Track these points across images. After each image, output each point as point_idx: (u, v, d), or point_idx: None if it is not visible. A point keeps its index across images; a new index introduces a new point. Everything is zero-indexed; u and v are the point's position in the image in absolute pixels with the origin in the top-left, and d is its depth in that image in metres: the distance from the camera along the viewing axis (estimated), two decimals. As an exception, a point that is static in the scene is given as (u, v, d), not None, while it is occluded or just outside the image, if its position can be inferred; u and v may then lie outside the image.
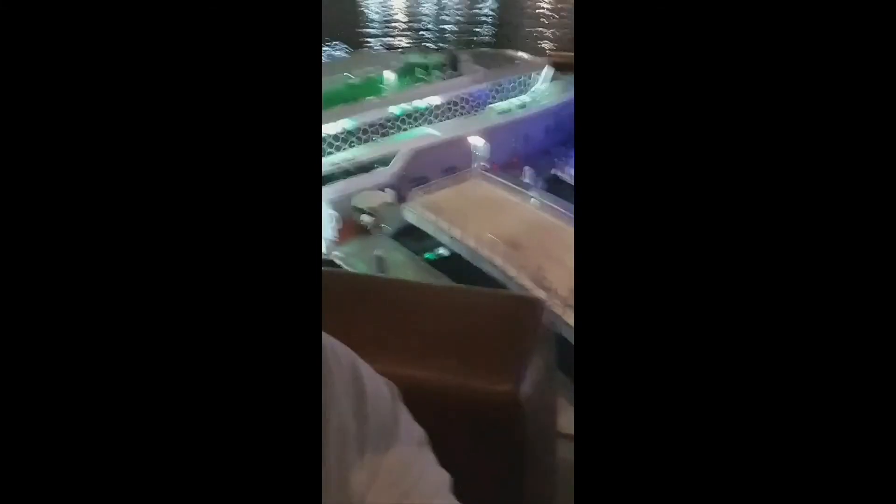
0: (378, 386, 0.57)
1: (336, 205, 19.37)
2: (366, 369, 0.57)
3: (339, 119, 19.98)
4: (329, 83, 21.24)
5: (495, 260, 15.89)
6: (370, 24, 43.90)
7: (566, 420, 0.70)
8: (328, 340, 0.54)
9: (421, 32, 41.38)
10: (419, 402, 0.60)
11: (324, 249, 18.45)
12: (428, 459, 0.57)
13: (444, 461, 0.58)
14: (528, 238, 15.63)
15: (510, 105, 22.10)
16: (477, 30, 39.27)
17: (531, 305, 0.81)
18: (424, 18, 45.21)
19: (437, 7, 47.67)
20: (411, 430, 0.57)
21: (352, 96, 20.93)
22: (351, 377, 0.54)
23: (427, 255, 17.77)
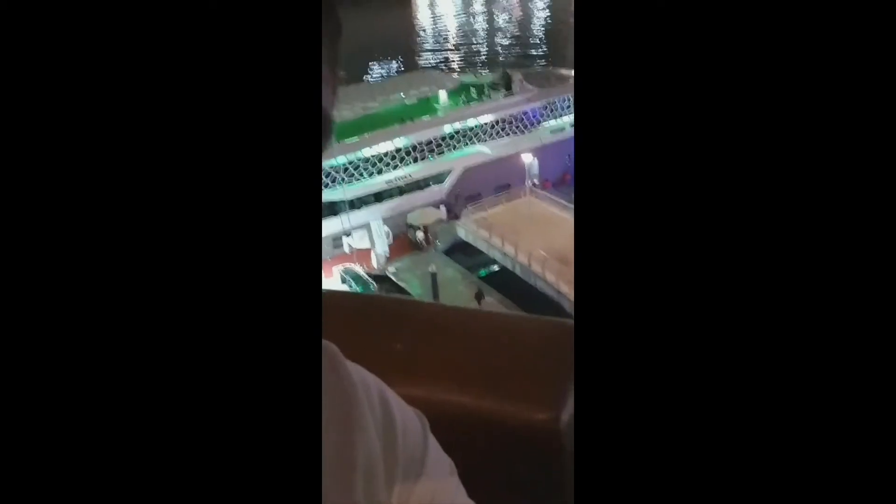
0: (407, 416, 0.56)
1: (390, 222, 19.65)
2: (395, 399, 0.56)
3: (393, 138, 20.24)
4: (384, 103, 21.64)
5: (547, 276, 15.77)
6: (424, 44, 44.45)
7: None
8: (357, 370, 0.54)
9: (474, 49, 41.64)
10: (457, 428, 0.61)
11: (378, 265, 18.68)
12: (458, 490, 0.57)
13: (483, 488, 0.58)
14: (581, 255, 15.39)
15: (562, 123, 21.95)
16: (529, 48, 39.30)
17: (572, 331, 0.81)
18: (477, 37, 45.51)
19: (489, 26, 47.94)
20: (440, 460, 0.57)
21: (406, 115, 21.20)
22: (380, 407, 0.54)
23: (481, 272, 17.74)
